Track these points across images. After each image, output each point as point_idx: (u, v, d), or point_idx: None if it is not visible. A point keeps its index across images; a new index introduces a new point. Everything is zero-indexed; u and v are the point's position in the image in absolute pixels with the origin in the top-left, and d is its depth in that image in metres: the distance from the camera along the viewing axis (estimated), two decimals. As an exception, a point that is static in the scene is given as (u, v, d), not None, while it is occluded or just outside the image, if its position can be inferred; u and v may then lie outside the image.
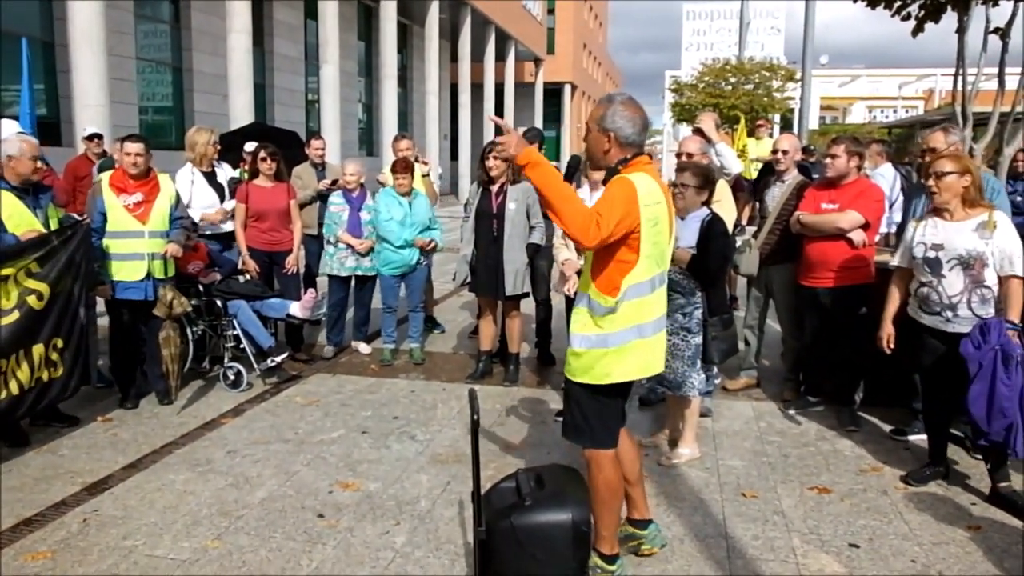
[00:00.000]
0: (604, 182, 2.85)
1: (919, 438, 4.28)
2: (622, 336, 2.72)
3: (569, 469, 2.93)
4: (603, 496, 2.84)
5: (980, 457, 3.97)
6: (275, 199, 5.80)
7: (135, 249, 4.76)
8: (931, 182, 3.68)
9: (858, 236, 4.50)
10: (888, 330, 3.94)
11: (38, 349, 4.15)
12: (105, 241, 4.72)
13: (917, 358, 3.91)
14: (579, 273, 4.38)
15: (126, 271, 4.76)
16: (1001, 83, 7.36)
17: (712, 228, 3.96)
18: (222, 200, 5.90)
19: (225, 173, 6.08)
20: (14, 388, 4.01)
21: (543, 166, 2.59)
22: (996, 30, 7.27)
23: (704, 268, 3.92)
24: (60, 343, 4.29)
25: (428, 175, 6.95)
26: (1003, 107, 7.31)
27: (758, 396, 5.27)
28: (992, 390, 3.39)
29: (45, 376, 4.21)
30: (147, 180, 4.87)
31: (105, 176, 4.88)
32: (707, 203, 4.07)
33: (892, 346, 3.92)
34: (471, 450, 2.59)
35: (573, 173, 3.21)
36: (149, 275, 4.80)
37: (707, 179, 4.05)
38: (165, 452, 4.23)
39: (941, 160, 3.71)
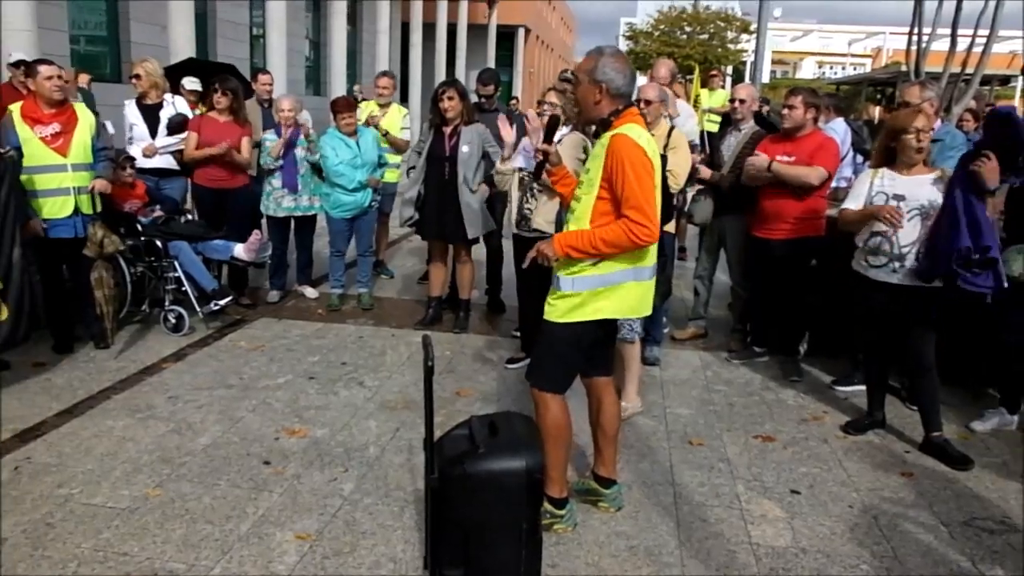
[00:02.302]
0: (596, 135, 2.88)
1: (859, 389, 4.41)
2: (619, 276, 2.79)
3: (523, 416, 2.91)
4: (552, 435, 2.88)
5: (914, 408, 4.11)
6: (226, 135, 5.56)
7: (59, 184, 4.48)
8: (921, 138, 3.70)
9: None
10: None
11: None
12: (24, 177, 4.37)
13: (860, 311, 3.98)
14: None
15: (51, 207, 4.48)
16: (953, 43, 7.45)
17: None
18: (153, 136, 5.63)
19: (174, 109, 5.78)
20: None
21: (573, 241, 2.72)
22: (951, -11, 7.33)
23: None
24: None
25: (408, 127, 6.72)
26: (954, 68, 7.41)
27: (705, 346, 5.34)
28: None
29: None
30: (64, 109, 4.55)
31: (15, 107, 4.50)
32: None
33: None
34: (424, 396, 2.55)
35: (553, 132, 3.22)
36: (77, 211, 4.55)
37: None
38: (102, 398, 4.08)
39: (921, 116, 3.76)
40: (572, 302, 2.79)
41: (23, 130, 4.41)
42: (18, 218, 4.19)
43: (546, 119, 4.31)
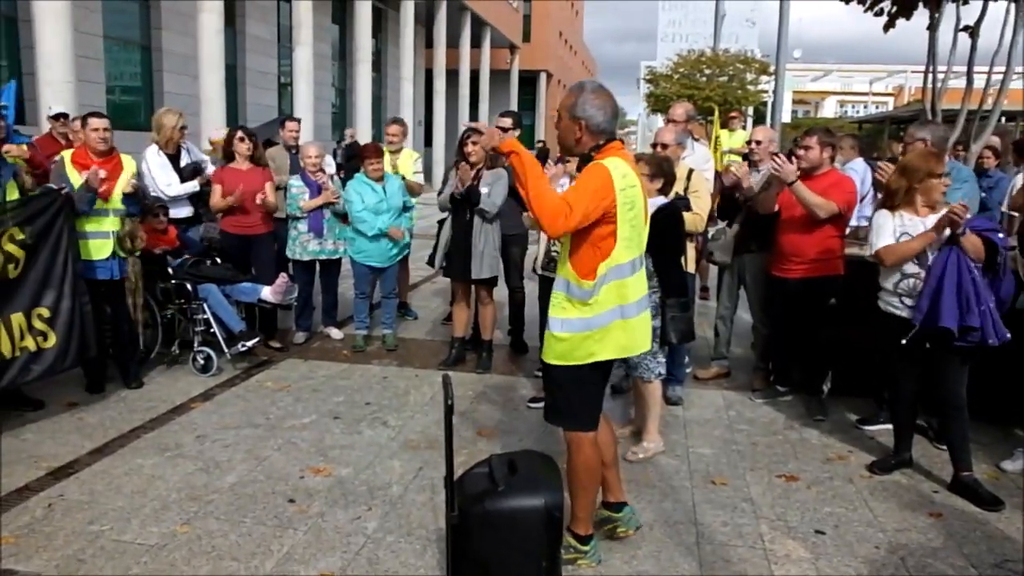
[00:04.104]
0: (578, 169, 2.90)
1: (884, 427, 4.37)
2: (604, 318, 2.75)
3: (542, 455, 2.94)
4: (581, 478, 2.88)
5: (942, 447, 4.06)
6: (251, 182, 5.72)
7: (100, 227, 4.69)
8: (944, 181, 3.75)
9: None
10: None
11: (17, 318, 4.12)
12: None
13: (890, 350, 3.95)
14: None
15: (92, 249, 4.67)
16: (969, 81, 7.49)
17: (665, 212, 3.98)
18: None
19: (190, 157, 5.95)
20: None
21: (524, 154, 2.67)
22: (966, 28, 7.40)
23: (656, 249, 3.84)
24: (46, 313, 4.26)
25: (419, 171, 6.82)
26: (971, 105, 7.44)
27: (728, 385, 5.33)
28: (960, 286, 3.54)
29: (32, 346, 4.19)
30: (110, 158, 4.81)
31: (67, 153, 4.80)
32: (663, 192, 4.09)
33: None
34: (444, 435, 2.59)
35: (543, 163, 3.26)
36: (115, 254, 4.73)
37: (660, 168, 4.08)
38: (133, 436, 4.17)
39: (942, 163, 3.80)
40: (564, 347, 2.78)
41: (72, 175, 4.65)
42: (71, 250, 4.37)
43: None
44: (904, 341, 3.72)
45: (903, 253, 3.76)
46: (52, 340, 4.27)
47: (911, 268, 3.76)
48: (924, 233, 3.70)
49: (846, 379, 5.04)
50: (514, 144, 2.71)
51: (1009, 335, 3.59)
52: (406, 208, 6.07)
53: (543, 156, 4.33)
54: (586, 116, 2.75)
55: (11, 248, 4.06)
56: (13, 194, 4.38)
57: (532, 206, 2.63)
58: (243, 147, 5.76)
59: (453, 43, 25.55)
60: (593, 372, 2.83)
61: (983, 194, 7.69)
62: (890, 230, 3.82)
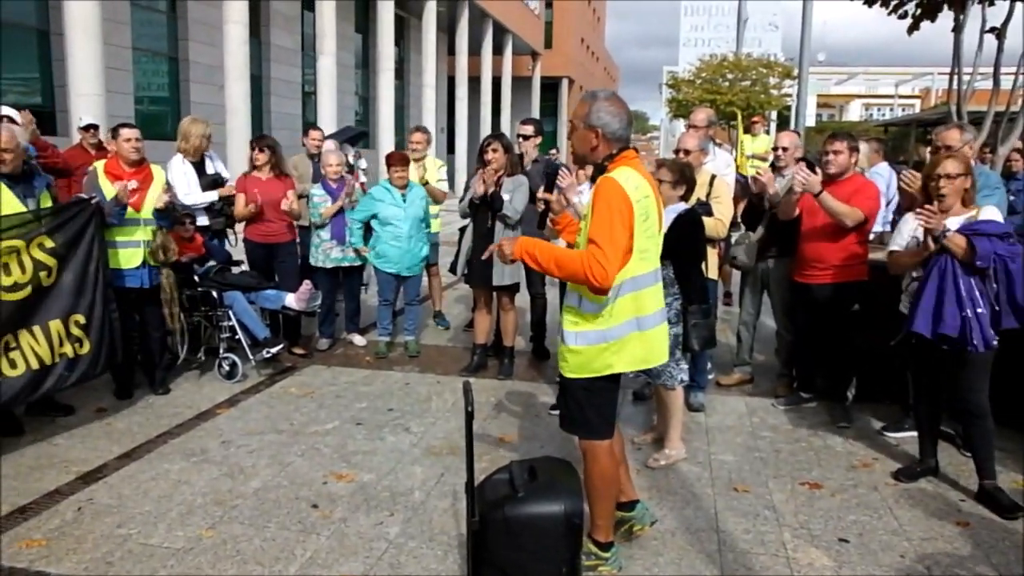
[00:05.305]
0: (592, 179, 2.88)
1: (910, 435, 4.31)
2: (621, 330, 2.74)
3: (562, 461, 2.95)
4: (598, 486, 2.88)
5: (969, 455, 4.01)
6: (272, 191, 5.80)
7: (131, 236, 4.78)
8: (941, 184, 3.68)
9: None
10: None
11: (55, 325, 4.20)
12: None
13: (908, 355, 3.93)
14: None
15: (122, 258, 4.76)
16: (996, 82, 7.41)
17: (685, 218, 3.99)
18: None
19: (214, 166, 6.04)
20: (34, 363, 4.07)
21: (534, 248, 2.72)
22: (992, 29, 7.31)
23: (676, 256, 3.90)
24: (81, 319, 4.34)
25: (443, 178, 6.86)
26: (998, 106, 7.34)
27: (751, 391, 5.29)
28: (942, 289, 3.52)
29: (70, 352, 4.27)
30: (141, 168, 4.90)
31: (100, 164, 4.90)
32: (685, 198, 4.09)
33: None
34: (465, 442, 2.61)
35: (552, 181, 3.27)
36: (145, 263, 4.82)
37: (682, 175, 4.07)
38: (160, 442, 4.24)
39: (949, 161, 3.73)
40: (581, 359, 2.77)
41: (105, 185, 4.73)
42: (102, 259, 4.47)
43: (575, 171, 4.42)
44: (892, 343, 3.79)
45: (900, 263, 3.85)
46: (87, 347, 4.36)
47: (915, 271, 3.75)
48: (916, 249, 3.75)
49: (871, 385, 5.00)
50: (522, 248, 2.74)
51: (996, 341, 3.51)
52: (424, 221, 6.09)
53: (554, 171, 4.37)
54: (602, 124, 2.74)
55: (41, 256, 4.15)
56: (46, 204, 4.48)
57: (568, 278, 2.70)
58: (262, 157, 5.82)
59: (475, 50, 25.69)
60: (607, 381, 2.82)
61: (1011, 198, 7.60)
62: (907, 233, 3.84)
